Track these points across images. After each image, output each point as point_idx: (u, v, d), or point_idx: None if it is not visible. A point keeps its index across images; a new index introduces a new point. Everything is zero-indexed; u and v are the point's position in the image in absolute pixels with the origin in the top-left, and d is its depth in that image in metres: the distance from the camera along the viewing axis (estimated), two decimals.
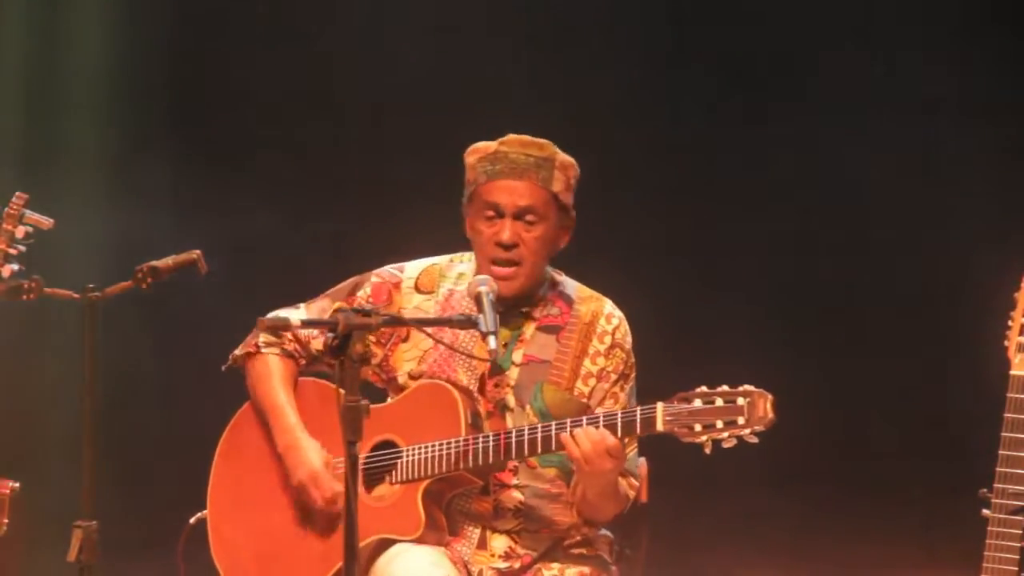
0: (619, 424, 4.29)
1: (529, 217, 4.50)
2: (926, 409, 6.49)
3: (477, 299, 4.39)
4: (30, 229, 4.68)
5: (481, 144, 4.58)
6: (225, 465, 4.67)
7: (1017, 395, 4.29)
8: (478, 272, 4.57)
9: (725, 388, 4.23)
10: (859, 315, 6.63)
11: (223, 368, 4.72)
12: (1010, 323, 4.34)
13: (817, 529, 6.49)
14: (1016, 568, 4.26)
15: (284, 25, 6.81)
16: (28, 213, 4.68)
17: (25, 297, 4.62)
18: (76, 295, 4.57)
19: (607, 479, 4.39)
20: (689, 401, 4.24)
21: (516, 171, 4.50)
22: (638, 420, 4.28)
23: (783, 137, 6.65)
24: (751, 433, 4.20)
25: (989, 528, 4.27)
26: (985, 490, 4.28)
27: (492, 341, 4.31)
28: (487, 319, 4.32)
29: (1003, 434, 4.29)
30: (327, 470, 4.49)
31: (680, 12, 6.75)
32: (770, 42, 6.66)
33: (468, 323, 4.37)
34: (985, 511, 4.28)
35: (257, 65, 6.80)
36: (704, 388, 4.24)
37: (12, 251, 4.65)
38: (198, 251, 4.68)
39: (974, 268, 5.98)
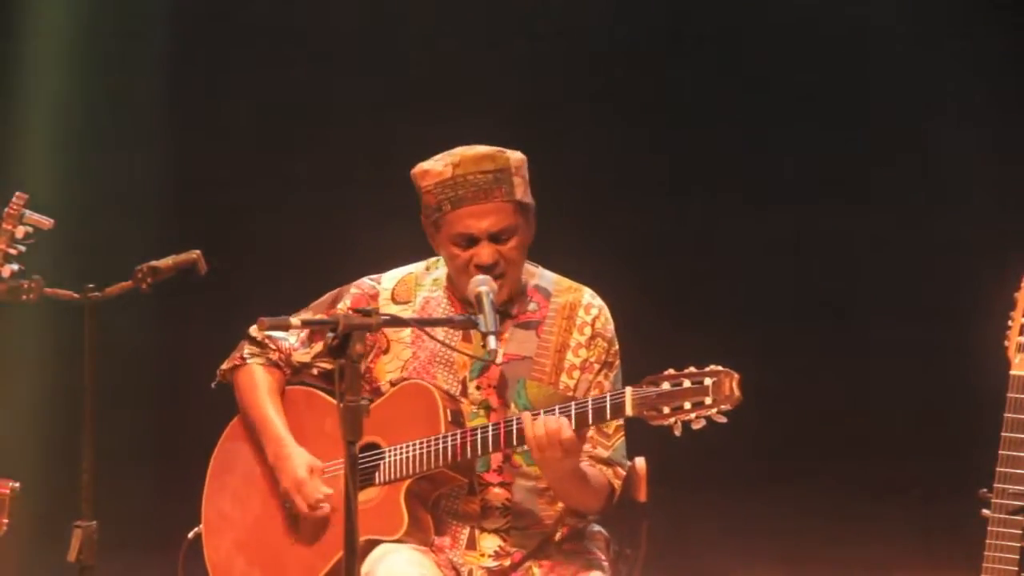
0: (590, 411, 4.28)
1: (503, 235, 4.47)
2: (926, 409, 6.49)
3: (477, 299, 4.39)
4: (30, 229, 4.67)
5: (430, 167, 4.49)
6: (217, 480, 4.69)
7: (1017, 395, 4.29)
8: (454, 280, 4.55)
9: (692, 369, 4.21)
10: (859, 314, 6.63)
11: (212, 385, 4.72)
12: (1010, 323, 4.34)
13: (816, 529, 6.48)
14: (1016, 568, 4.25)
15: (282, 27, 6.81)
16: (28, 213, 4.67)
17: (25, 297, 4.61)
18: (76, 295, 4.56)
19: (561, 467, 4.34)
20: (657, 384, 4.22)
21: (480, 193, 4.45)
22: (608, 406, 4.26)
23: (781, 135, 6.65)
24: (718, 412, 4.17)
25: (989, 528, 4.27)
26: (985, 490, 4.28)
27: (492, 341, 4.32)
28: (487, 319, 4.33)
29: (1003, 434, 4.29)
30: (313, 476, 4.50)
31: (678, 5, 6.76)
32: (768, 39, 6.66)
33: (468, 323, 4.38)
34: (985, 511, 4.27)
35: (257, 67, 6.80)
36: (672, 371, 4.23)
37: (12, 251, 4.65)
38: (198, 251, 4.67)
39: (974, 268, 5.98)
